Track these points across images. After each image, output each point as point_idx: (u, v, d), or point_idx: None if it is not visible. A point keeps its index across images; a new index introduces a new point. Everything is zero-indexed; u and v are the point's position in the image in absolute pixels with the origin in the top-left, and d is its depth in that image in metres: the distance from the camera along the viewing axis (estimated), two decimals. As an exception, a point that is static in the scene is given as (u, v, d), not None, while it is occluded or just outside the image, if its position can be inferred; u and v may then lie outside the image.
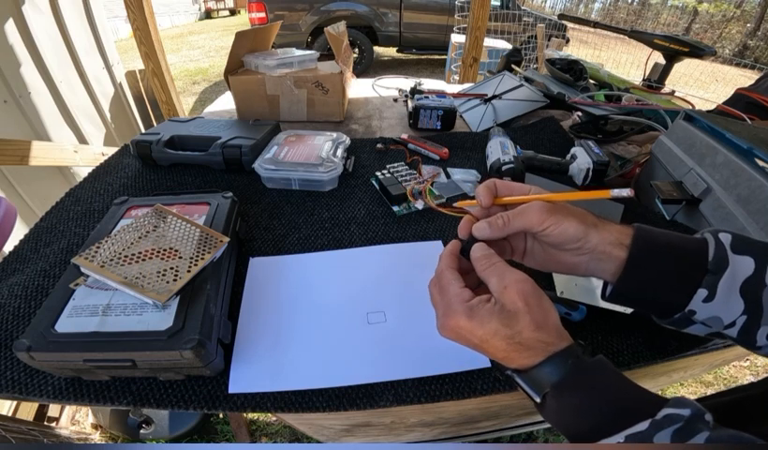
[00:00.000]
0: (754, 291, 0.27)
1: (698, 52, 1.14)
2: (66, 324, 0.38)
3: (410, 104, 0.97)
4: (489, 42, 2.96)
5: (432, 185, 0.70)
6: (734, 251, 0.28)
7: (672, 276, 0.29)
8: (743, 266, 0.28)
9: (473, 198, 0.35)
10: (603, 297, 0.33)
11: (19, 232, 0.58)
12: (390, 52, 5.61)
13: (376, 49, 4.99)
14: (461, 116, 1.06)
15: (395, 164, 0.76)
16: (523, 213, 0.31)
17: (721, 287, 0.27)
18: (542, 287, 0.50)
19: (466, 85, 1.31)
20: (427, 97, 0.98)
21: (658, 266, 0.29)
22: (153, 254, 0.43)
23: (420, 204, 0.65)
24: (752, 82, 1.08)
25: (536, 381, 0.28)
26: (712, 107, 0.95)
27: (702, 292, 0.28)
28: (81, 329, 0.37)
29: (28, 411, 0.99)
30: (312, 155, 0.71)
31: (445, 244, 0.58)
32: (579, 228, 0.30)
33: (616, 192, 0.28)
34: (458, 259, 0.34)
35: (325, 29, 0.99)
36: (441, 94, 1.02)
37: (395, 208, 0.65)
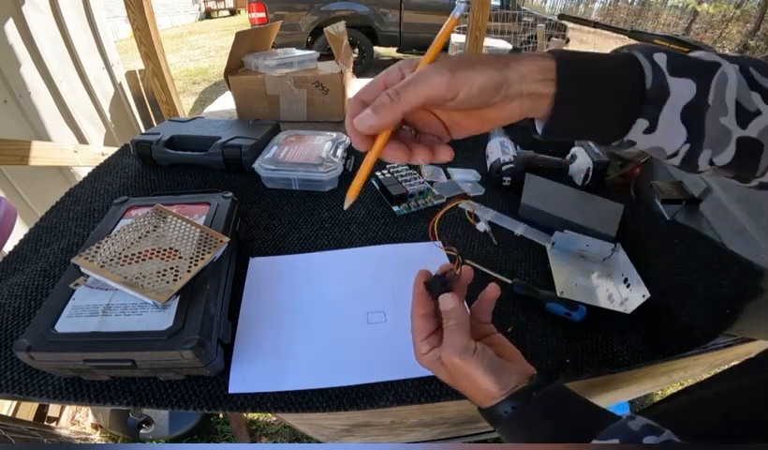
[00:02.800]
0: (696, 116, 0.24)
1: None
2: (66, 324, 0.38)
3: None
4: (489, 42, 2.96)
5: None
6: (673, 74, 0.24)
7: (607, 107, 0.25)
8: (683, 90, 0.24)
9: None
10: (535, 135, 0.29)
11: (19, 232, 0.59)
12: (390, 52, 5.60)
13: (376, 49, 4.98)
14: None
15: (395, 164, 0.76)
16: (418, 81, 0.23)
17: (663, 117, 0.24)
18: (540, 286, 0.50)
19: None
20: (427, 97, 0.98)
21: (590, 99, 0.25)
22: (153, 254, 0.43)
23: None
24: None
25: (486, 416, 0.32)
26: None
27: (642, 123, 0.25)
28: (81, 329, 0.37)
29: (28, 411, 0.99)
30: (312, 155, 0.71)
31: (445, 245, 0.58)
32: (494, 75, 0.24)
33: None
34: (427, 299, 0.35)
35: (325, 29, 0.99)
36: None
37: (395, 208, 0.65)
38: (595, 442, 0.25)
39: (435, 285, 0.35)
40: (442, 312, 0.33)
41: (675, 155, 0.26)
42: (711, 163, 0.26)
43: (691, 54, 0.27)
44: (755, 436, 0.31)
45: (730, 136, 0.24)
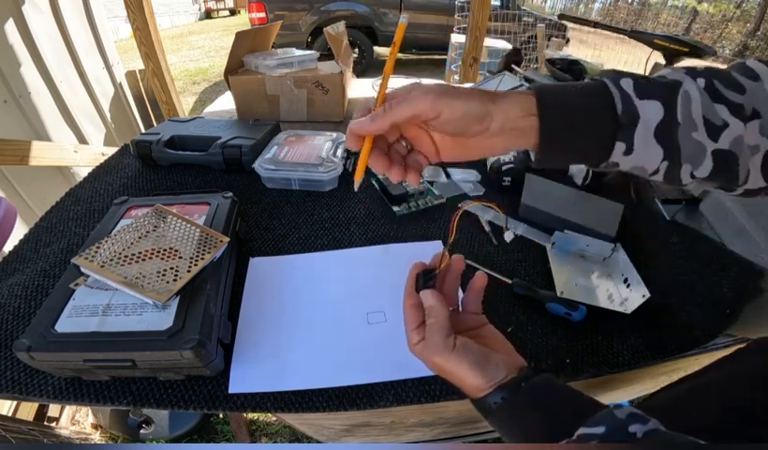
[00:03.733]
0: (669, 134, 0.26)
1: (698, 52, 1.14)
2: (66, 324, 0.38)
3: (410, 104, 0.97)
4: (489, 42, 2.96)
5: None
6: (640, 97, 0.27)
7: (587, 135, 0.28)
8: (652, 112, 0.26)
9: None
10: (531, 163, 0.32)
11: (19, 232, 0.59)
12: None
13: (376, 49, 4.98)
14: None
15: (395, 164, 0.76)
16: (407, 100, 0.28)
17: (637, 138, 0.27)
18: (540, 286, 0.50)
19: (466, 85, 1.31)
20: (427, 97, 0.98)
21: (571, 129, 0.28)
22: (153, 254, 0.43)
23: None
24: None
25: (477, 407, 0.33)
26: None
27: (621, 146, 0.27)
28: (81, 329, 0.37)
29: (28, 411, 0.99)
30: (312, 155, 0.71)
31: (444, 244, 0.58)
32: (473, 104, 0.27)
33: None
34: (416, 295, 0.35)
35: (324, 29, 0.99)
36: (441, 94, 1.02)
37: (395, 208, 0.65)
38: (581, 429, 0.26)
39: (419, 279, 0.35)
40: (424, 307, 0.34)
41: (657, 172, 0.28)
42: (692, 177, 0.28)
43: (659, 72, 0.29)
44: (748, 423, 0.31)
45: (704, 150, 0.26)
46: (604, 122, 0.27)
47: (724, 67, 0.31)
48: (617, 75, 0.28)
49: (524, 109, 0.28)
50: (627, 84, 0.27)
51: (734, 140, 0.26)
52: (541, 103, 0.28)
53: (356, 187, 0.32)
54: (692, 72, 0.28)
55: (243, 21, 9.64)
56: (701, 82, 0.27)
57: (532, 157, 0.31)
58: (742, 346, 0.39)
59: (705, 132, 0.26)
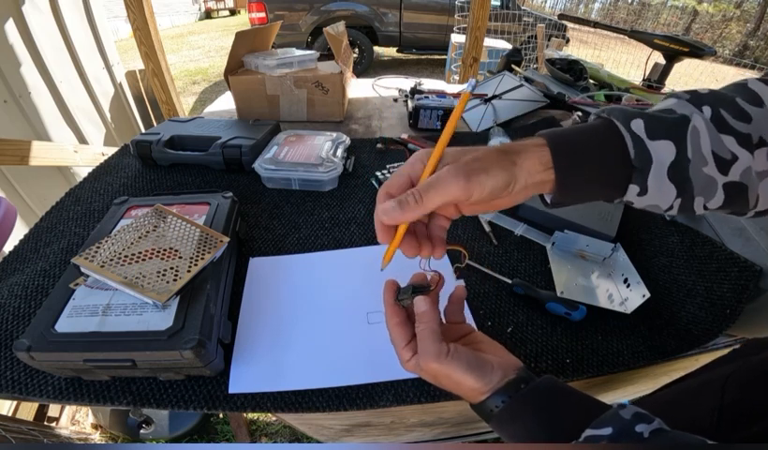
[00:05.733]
0: (681, 171, 0.27)
1: (698, 52, 1.14)
2: (66, 324, 0.38)
3: (410, 104, 0.97)
4: (489, 42, 2.96)
5: None
6: (651, 138, 0.27)
7: (601, 181, 0.29)
8: (664, 153, 0.27)
9: None
10: (544, 204, 0.32)
11: (19, 232, 0.59)
12: (390, 52, 5.61)
13: (376, 49, 4.98)
14: (461, 116, 1.06)
15: (395, 164, 0.76)
16: (437, 186, 0.27)
17: (651, 180, 0.27)
18: (540, 286, 0.50)
19: (464, 87, 1.31)
20: (427, 97, 0.98)
21: (585, 179, 0.28)
22: (153, 254, 0.43)
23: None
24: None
25: (477, 412, 0.32)
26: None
27: (634, 188, 0.28)
28: (81, 329, 0.37)
29: (28, 411, 0.99)
30: (312, 155, 0.71)
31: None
32: (501, 176, 0.27)
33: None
34: (399, 307, 0.35)
35: (324, 29, 0.99)
36: (441, 94, 1.02)
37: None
38: (588, 431, 0.25)
39: (404, 294, 0.34)
40: (415, 315, 0.33)
41: (671, 208, 0.29)
42: (705, 208, 0.28)
43: (663, 103, 0.29)
44: (747, 420, 0.31)
45: (716, 183, 0.27)
46: (618, 168, 0.28)
47: (725, 81, 0.31)
48: (627, 116, 0.28)
49: (543, 162, 0.28)
50: (638, 126, 0.27)
51: (744, 171, 0.27)
52: (556, 156, 0.28)
53: (383, 266, 0.32)
54: (696, 100, 0.28)
55: (243, 21, 9.65)
56: (707, 111, 0.27)
57: (547, 198, 0.31)
58: (738, 347, 0.39)
59: (716, 167, 0.26)
